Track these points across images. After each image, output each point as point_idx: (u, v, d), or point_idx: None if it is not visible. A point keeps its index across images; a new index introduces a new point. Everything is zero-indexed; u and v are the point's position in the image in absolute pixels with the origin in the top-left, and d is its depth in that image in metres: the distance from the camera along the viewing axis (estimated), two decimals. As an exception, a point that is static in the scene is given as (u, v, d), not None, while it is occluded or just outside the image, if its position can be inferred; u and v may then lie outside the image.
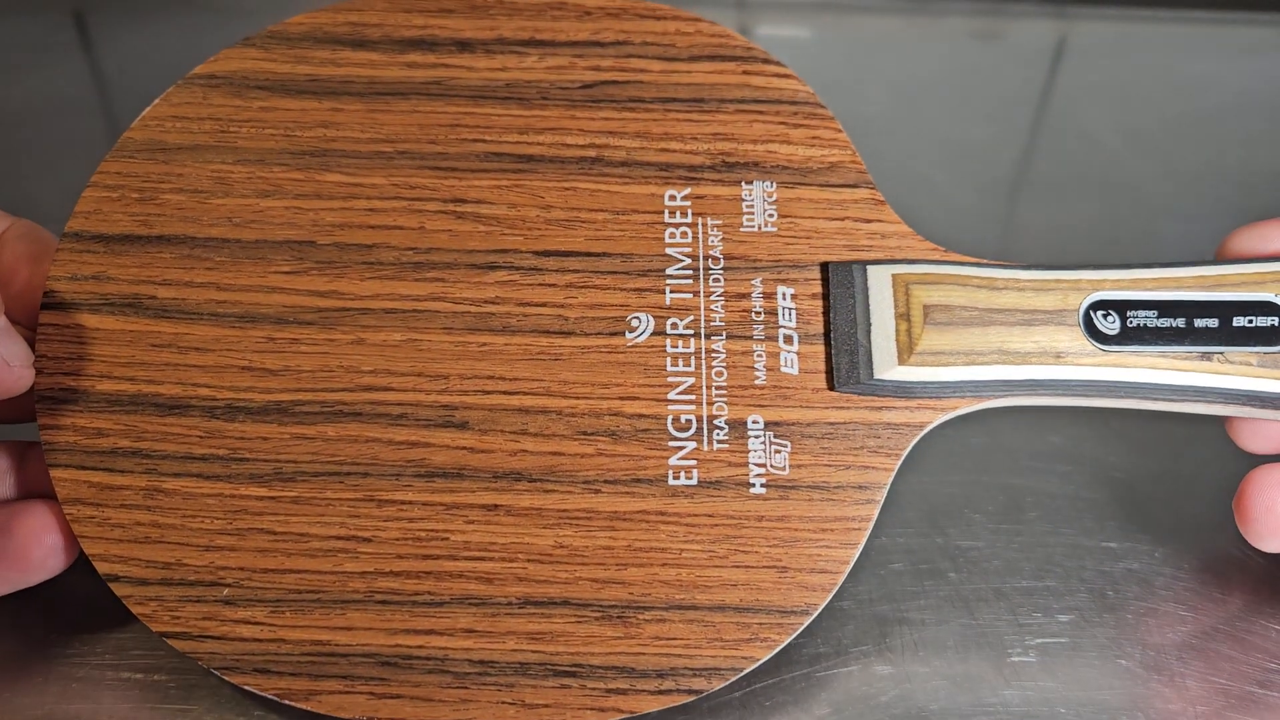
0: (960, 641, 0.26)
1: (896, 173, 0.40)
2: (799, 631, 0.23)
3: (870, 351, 0.24)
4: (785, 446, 0.24)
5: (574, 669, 0.23)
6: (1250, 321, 0.25)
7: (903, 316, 0.24)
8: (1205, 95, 0.45)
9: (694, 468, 0.24)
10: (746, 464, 0.24)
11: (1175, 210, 0.40)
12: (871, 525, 0.24)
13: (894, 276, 0.25)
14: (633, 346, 0.25)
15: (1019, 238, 0.39)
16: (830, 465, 0.24)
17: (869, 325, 0.24)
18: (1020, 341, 0.24)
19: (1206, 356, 0.24)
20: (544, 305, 0.25)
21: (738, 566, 0.23)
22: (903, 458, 0.24)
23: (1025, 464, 0.31)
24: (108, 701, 0.24)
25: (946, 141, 0.42)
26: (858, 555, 0.24)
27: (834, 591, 0.23)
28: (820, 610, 0.23)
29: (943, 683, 0.25)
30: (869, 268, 0.25)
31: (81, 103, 0.42)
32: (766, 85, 0.27)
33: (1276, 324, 0.25)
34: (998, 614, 0.27)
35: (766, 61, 0.27)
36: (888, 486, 0.24)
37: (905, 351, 0.24)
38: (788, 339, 0.25)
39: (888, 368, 0.24)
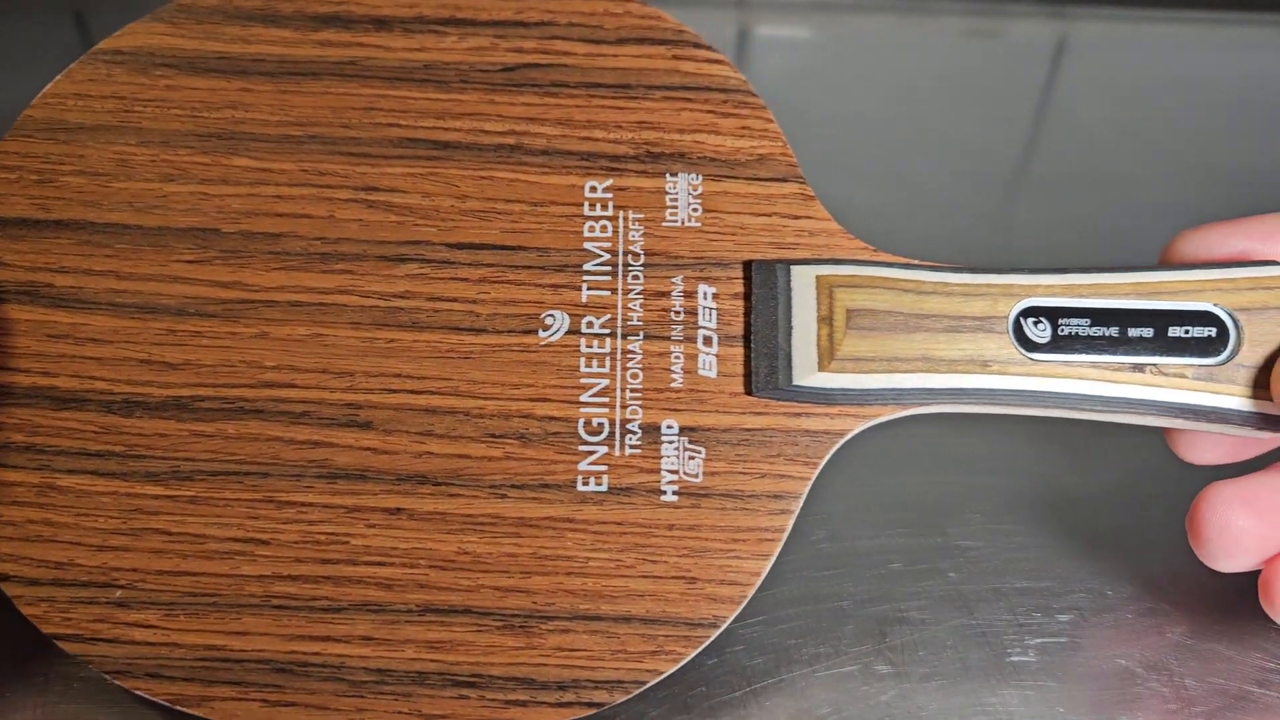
0: (960, 641, 0.26)
1: (896, 172, 0.40)
2: (705, 645, 0.23)
3: (790, 356, 0.23)
4: (699, 453, 0.23)
5: (473, 679, 0.22)
6: (1186, 332, 0.24)
7: (825, 320, 0.24)
8: (1205, 94, 0.45)
9: (604, 473, 0.23)
10: (659, 470, 0.23)
11: (1175, 209, 0.39)
12: (785, 536, 0.23)
13: (818, 278, 0.24)
14: (546, 346, 0.24)
15: (1018, 236, 0.39)
16: (745, 473, 0.23)
17: (790, 329, 0.24)
18: (946, 349, 0.24)
19: (1139, 368, 0.24)
20: (455, 301, 0.24)
21: (645, 577, 0.23)
22: (820, 467, 0.23)
23: (1023, 464, 0.31)
24: (104, 703, 0.24)
25: (945, 140, 0.42)
26: (769, 567, 0.23)
27: (743, 604, 0.23)
28: (728, 623, 0.23)
29: (942, 683, 0.25)
30: (793, 268, 0.24)
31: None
32: (696, 71, 0.26)
33: (1214, 335, 0.24)
34: (997, 613, 0.27)
35: (698, 46, 0.26)
36: (803, 496, 0.23)
37: (826, 357, 0.23)
38: (707, 340, 0.24)
39: (807, 374, 0.23)
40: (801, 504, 0.23)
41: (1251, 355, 0.24)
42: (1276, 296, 0.24)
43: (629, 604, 0.23)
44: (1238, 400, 0.24)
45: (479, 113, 0.25)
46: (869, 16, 0.47)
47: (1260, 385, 0.24)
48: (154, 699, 0.22)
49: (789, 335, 0.24)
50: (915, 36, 0.47)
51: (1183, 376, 0.24)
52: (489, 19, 0.26)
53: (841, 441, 0.23)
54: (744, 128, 0.25)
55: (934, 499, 0.29)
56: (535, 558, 0.23)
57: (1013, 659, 0.26)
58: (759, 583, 0.23)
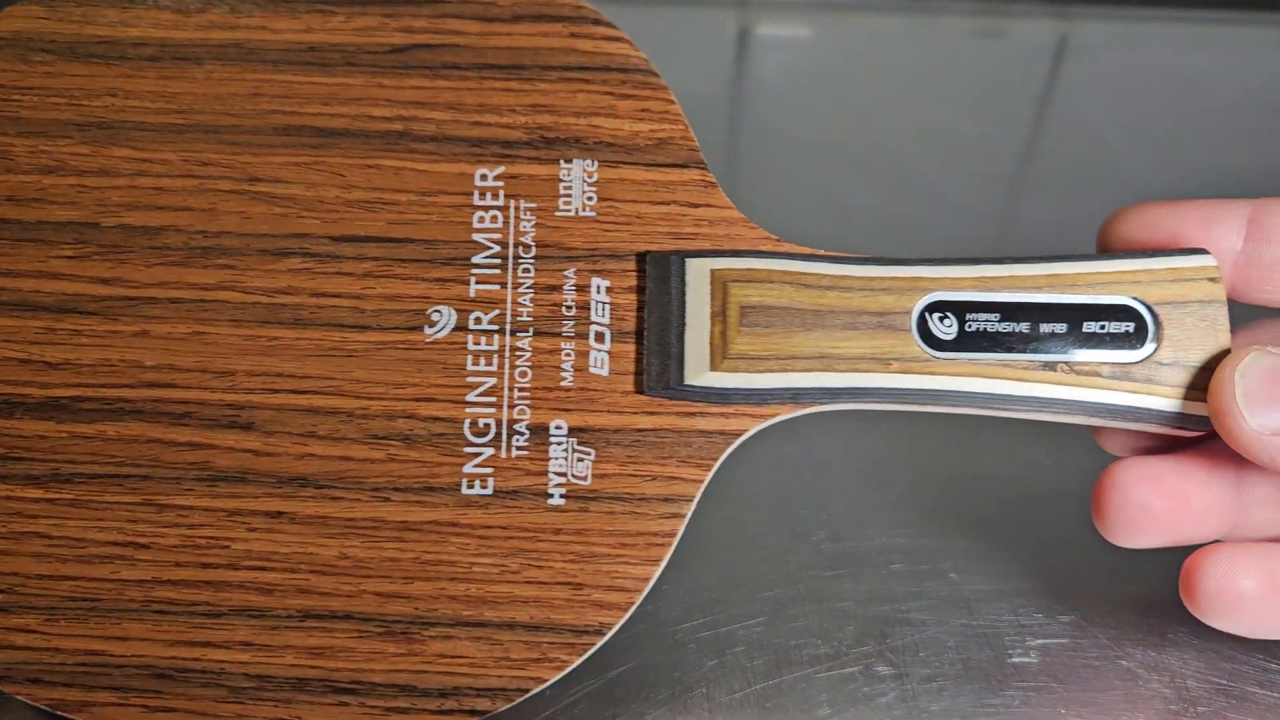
0: (960, 641, 0.26)
1: (897, 170, 0.40)
2: (591, 652, 0.22)
3: (683, 354, 0.23)
4: (589, 455, 0.23)
5: (353, 686, 0.22)
6: (1102, 327, 0.23)
7: (718, 317, 0.23)
8: (1207, 93, 0.44)
9: (490, 476, 0.22)
10: (546, 473, 0.22)
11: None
12: (676, 541, 0.22)
13: (713, 272, 0.23)
14: (432, 343, 0.23)
15: (1019, 235, 0.39)
16: (636, 476, 0.22)
17: (683, 325, 0.23)
18: (844, 346, 0.23)
19: (1050, 366, 0.23)
20: (339, 296, 0.23)
21: (530, 582, 0.22)
22: (714, 469, 0.23)
23: (1022, 463, 0.30)
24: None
25: (947, 139, 0.42)
26: (659, 573, 0.22)
27: (630, 611, 0.22)
28: (615, 631, 0.22)
29: (943, 684, 0.25)
30: (688, 261, 0.23)
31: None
32: (594, 50, 0.24)
33: (1131, 330, 0.23)
34: (998, 614, 0.27)
35: (596, 23, 0.25)
36: (696, 500, 0.22)
37: (718, 356, 0.22)
38: (599, 337, 0.23)
39: (699, 373, 0.22)
40: (694, 507, 0.22)
41: (1170, 353, 0.23)
42: (1197, 289, 0.23)
43: (513, 610, 0.22)
44: (1156, 400, 0.23)
45: (366, 97, 0.24)
46: (870, 16, 0.47)
47: (1178, 384, 0.23)
48: (35, 704, 0.22)
49: (682, 332, 0.23)
50: (916, 36, 0.47)
51: (1097, 375, 0.23)
52: None
53: (738, 442, 0.23)
54: (643, 110, 0.24)
55: (932, 500, 0.29)
56: (418, 563, 0.22)
57: (1014, 660, 0.26)
58: (648, 589, 0.22)
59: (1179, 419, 0.23)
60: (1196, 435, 0.23)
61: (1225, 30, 0.48)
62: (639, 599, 0.22)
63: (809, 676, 0.25)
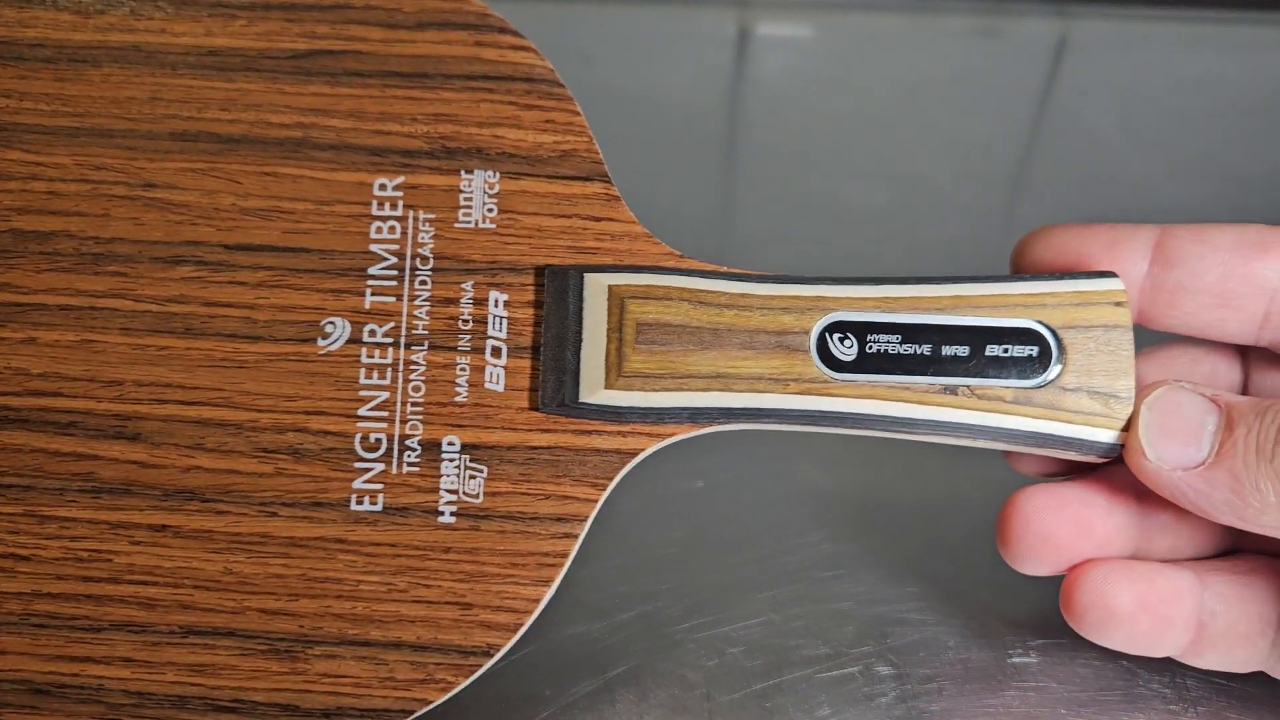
0: (960, 642, 0.26)
1: (896, 170, 0.40)
2: (479, 674, 0.22)
3: (578, 371, 0.22)
4: (481, 472, 0.22)
5: (235, 705, 0.21)
6: (1006, 350, 0.22)
7: (614, 334, 0.22)
8: (1208, 93, 0.44)
9: (380, 492, 0.22)
10: (437, 490, 0.22)
11: (1177, 209, 0.39)
12: (569, 562, 0.22)
13: (610, 288, 0.23)
14: (325, 355, 0.23)
15: (1019, 235, 0.39)
16: (528, 494, 0.22)
17: (579, 341, 0.22)
18: (742, 366, 0.22)
19: (952, 390, 0.22)
20: (231, 306, 0.23)
21: (418, 601, 0.22)
22: (610, 488, 0.22)
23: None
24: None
25: (948, 139, 0.42)
26: (550, 594, 0.22)
27: (520, 632, 0.22)
28: (504, 651, 0.22)
29: (943, 684, 0.25)
30: (586, 276, 0.23)
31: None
32: (499, 59, 0.24)
33: (1035, 354, 0.22)
34: (996, 614, 0.27)
35: (503, 31, 0.24)
36: (590, 520, 0.22)
37: (614, 373, 0.22)
38: (495, 352, 0.23)
39: (594, 391, 0.22)
40: (588, 527, 0.22)
41: (1074, 378, 0.22)
42: (1103, 314, 0.23)
43: (400, 630, 0.22)
44: (1058, 426, 0.22)
45: (265, 103, 0.24)
46: (870, 15, 0.47)
47: (1082, 411, 0.22)
48: None
49: (578, 349, 0.22)
50: (916, 35, 0.47)
51: (1000, 399, 0.22)
52: (281, 1, 0.24)
53: (634, 462, 0.22)
54: (547, 121, 0.24)
55: (934, 498, 0.29)
56: (304, 580, 0.22)
57: (1014, 660, 0.26)
58: (538, 610, 0.22)
59: (1082, 445, 0.22)
60: (1102, 461, 0.23)
61: (1226, 30, 0.48)
62: (529, 620, 0.22)
63: (810, 677, 0.25)
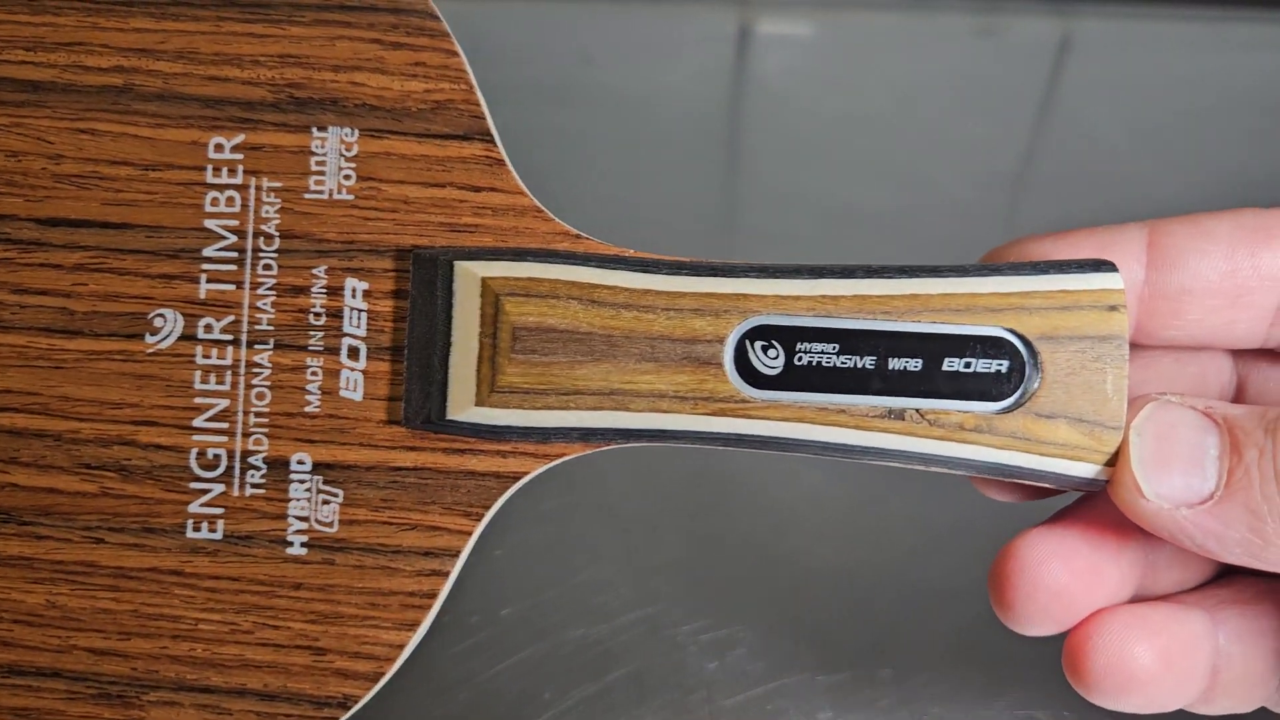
0: (962, 643, 0.26)
1: (898, 170, 0.40)
2: None
3: (446, 382, 0.19)
4: (336, 496, 0.19)
5: None
6: (968, 366, 0.18)
7: (488, 339, 0.19)
8: (1209, 92, 0.44)
9: (220, 518, 0.19)
10: (285, 516, 0.19)
11: (1180, 208, 0.39)
12: (438, 604, 0.19)
13: (484, 282, 0.19)
14: (154, 354, 0.19)
15: (1021, 234, 0.39)
16: (391, 524, 0.19)
17: (449, 345, 0.19)
18: (641, 381, 0.19)
19: (898, 414, 0.18)
20: (45, 294, 0.19)
21: (265, 644, 0.19)
22: (487, 519, 0.19)
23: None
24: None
25: (948, 139, 0.42)
26: (417, 640, 0.19)
27: (381, 682, 0.19)
28: (364, 703, 0.19)
29: (945, 686, 0.25)
30: (457, 265, 0.19)
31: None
32: None
33: (1004, 370, 0.18)
34: (996, 615, 0.26)
35: None
36: (464, 555, 0.19)
37: (485, 388, 0.19)
38: (353, 353, 0.19)
39: (463, 407, 0.19)
40: (462, 564, 0.19)
41: (1051, 401, 0.18)
42: (1092, 321, 0.18)
43: (244, 676, 0.19)
44: (1030, 459, 0.18)
45: (79, 41, 0.20)
46: (871, 14, 0.47)
47: (1059, 442, 0.18)
48: None
49: (446, 355, 0.19)
50: (918, 34, 0.47)
51: (959, 428, 0.18)
52: None
53: (515, 487, 0.19)
54: (417, 64, 0.20)
55: (935, 503, 0.29)
56: (136, 616, 0.19)
57: (1016, 661, 0.25)
58: (402, 657, 0.19)
59: (1058, 480, 0.19)
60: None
61: (1227, 29, 0.48)
62: (391, 669, 0.19)
63: (810, 680, 0.25)
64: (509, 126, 0.39)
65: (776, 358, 0.19)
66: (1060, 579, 0.19)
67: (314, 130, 0.20)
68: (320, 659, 0.19)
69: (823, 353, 0.19)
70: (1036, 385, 0.18)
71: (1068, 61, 0.45)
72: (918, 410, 0.18)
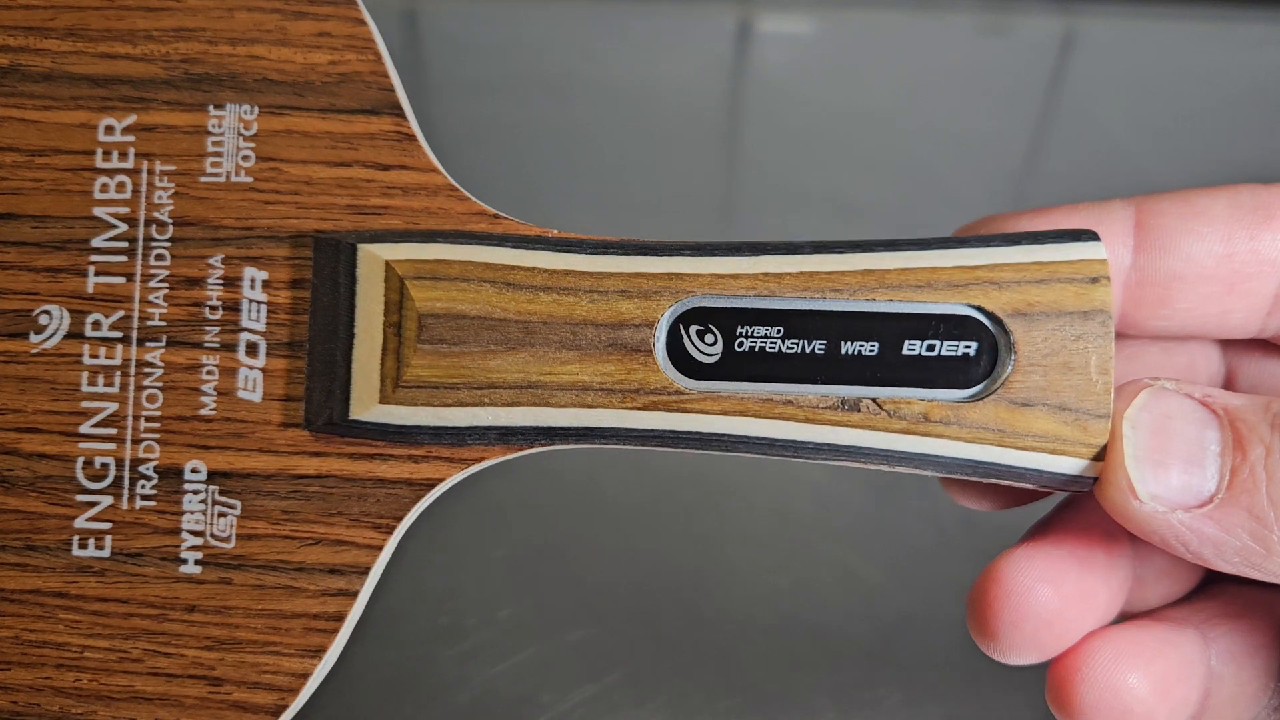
0: (964, 645, 0.26)
1: (901, 167, 0.40)
2: None
3: (349, 379, 0.17)
4: (233, 509, 0.18)
5: None
6: (931, 349, 0.17)
7: (393, 329, 0.17)
8: (1214, 88, 0.44)
9: (107, 533, 0.18)
10: (179, 531, 0.18)
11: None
12: (346, 628, 0.18)
13: (388, 265, 0.17)
14: (39, 354, 0.18)
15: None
16: (292, 538, 0.18)
17: (351, 337, 0.17)
18: (562, 373, 0.17)
19: (852, 405, 0.16)
20: None
21: (156, 674, 0.18)
22: (399, 532, 0.18)
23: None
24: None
25: (953, 136, 0.42)
26: (325, 668, 0.18)
27: (286, 715, 0.18)
28: None
29: (948, 688, 0.25)
30: (360, 248, 0.18)
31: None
32: None
33: (972, 353, 0.16)
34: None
35: None
36: (375, 572, 0.18)
37: (390, 383, 0.17)
38: (251, 349, 0.18)
39: (367, 405, 0.17)
40: (373, 584, 0.18)
41: (1027, 386, 0.16)
42: (1072, 295, 0.16)
43: (133, 709, 0.18)
44: (1005, 453, 0.16)
45: None
46: (874, 11, 0.46)
47: (1037, 434, 0.16)
48: None
49: (350, 347, 0.17)
50: (920, 31, 0.47)
51: (922, 419, 0.16)
52: None
53: (430, 496, 0.18)
54: (321, 34, 0.18)
55: (941, 503, 0.29)
56: (17, 644, 0.18)
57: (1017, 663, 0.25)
58: (308, 688, 0.18)
59: (1039, 477, 0.17)
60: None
61: (1231, 25, 0.47)
62: (296, 701, 0.18)
63: (811, 681, 0.25)
64: (509, 122, 0.39)
65: (714, 344, 0.17)
66: (1050, 605, 0.18)
67: (210, 108, 0.18)
68: (216, 690, 0.18)
69: (766, 337, 0.17)
70: (1010, 370, 0.16)
71: (1072, 58, 0.45)
72: (875, 400, 0.16)
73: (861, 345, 0.17)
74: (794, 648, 0.24)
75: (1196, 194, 0.18)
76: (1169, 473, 0.16)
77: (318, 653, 0.17)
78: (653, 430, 0.17)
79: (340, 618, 0.17)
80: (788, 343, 0.17)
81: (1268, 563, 0.16)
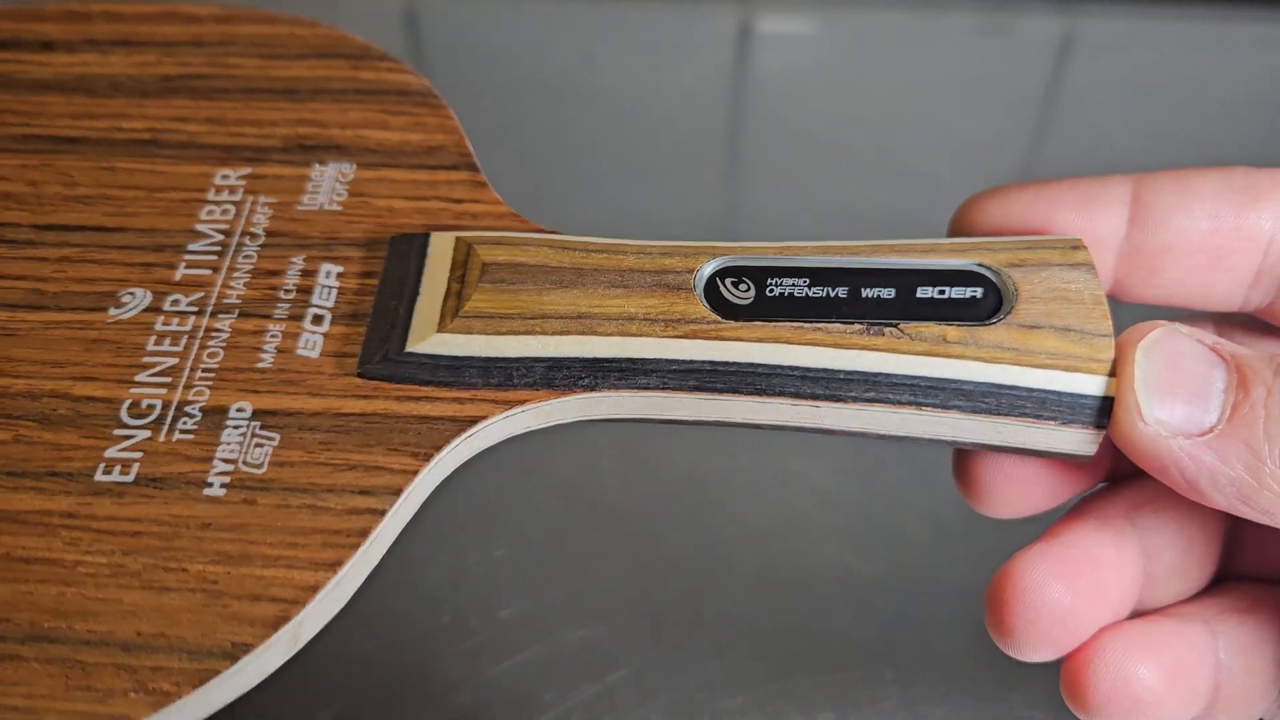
0: (965, 647, 0.26)
1: (900, 168, 0.40)
2: (212, 683, 0.16)
3: (409, 322, 0.19)
4: (272, 440, 0.18)
5: None
6: (941, 293, 0.18)
7: (456, 278, 0.19)
8: (1213, 90, 0.44)
9: (136, 461, 0.18)
10: (211, 459, 0.18)
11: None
12: (371, 550, 0.17)
13: (458, 239, 0.19)
14: (114, 323, 0.19)
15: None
16: (327, 464, 0.18)
17: (416, 295, 0.19)
18: (610, 305, 0.18)
19: (877, 331, 0.18)
20: (22, 279, 0.20)
21: (150, 588, 0.17)
22: (436, 460, 0.18)
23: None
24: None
25: (953, 138, 0.42)
26: (335, 583, 0.16)
27: (283, 631, 0.16)
28: (256, 657, 0.16)
29: (947, 689, 0.25)
30: (433, 235, 0.20)
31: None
32: (376, 79, 0.23)
33: (979, 296, 0.18)
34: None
35: (383, 59, 0.23)
36: (405, 495, 0.17)
37: (449, 315, 0.18)
38: (317, 320, 0.19)
39: (423, 336, 0.18)
40: (405, 511, 0.17)
41: (1030, 313, 0.18)
42: (1056, 255, 0.19)
43: (113, 622, 0.16)
44: (1023, 372, 0.18)
45: (122, 114, 0.22)
46: (873, 12, 0.46)
47: (1049, 352, 0.18)
48: None
49: (414, 301, 0.19)
50: (920, 33, 0.47)
51: (942, 340, 0.18)
52: (163, 40, 0.23)
53: (471, 431, 0.18)
54: (418, 124, 0.22)
55: (941, 503, 0.29)
56: (7, 559, 0.17)
57: (1019, 665, 0.25)
58: (313, 601, 0.16)
59: (1058, 403, 0.18)
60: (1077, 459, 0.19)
61: (1231, 27, 0.47)
62: (299, 614, 0.16)
63: (811, 681, 0.25)
64: (510, 124, 0.39)
65: (747, 291, 0.19)
66: (1064, 601, 0.18)
67: (315, 165, 0.21)
68: (213, 603, 0.16)
69: (794, 285, 0.19)
70: (1015, 303, 0.18)
71: (1071, 60, 0.45)
72: (898, 327, 0.18)
73: (880, 290, 0.18)
74: (794, 647, 0.24)
75: (1193, 172, 0.20)
76: (1175, 401, 0.17)
77: (333, 566, 0.17)
78: (692, 361, 0.18)
79: (364, 533, 0.17)
80: (813, 289, 0.18)
81: (1258, 496, 0.17)
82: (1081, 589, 0.19)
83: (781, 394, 0.18)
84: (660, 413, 0.19)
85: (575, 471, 0.31)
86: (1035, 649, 0.19)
